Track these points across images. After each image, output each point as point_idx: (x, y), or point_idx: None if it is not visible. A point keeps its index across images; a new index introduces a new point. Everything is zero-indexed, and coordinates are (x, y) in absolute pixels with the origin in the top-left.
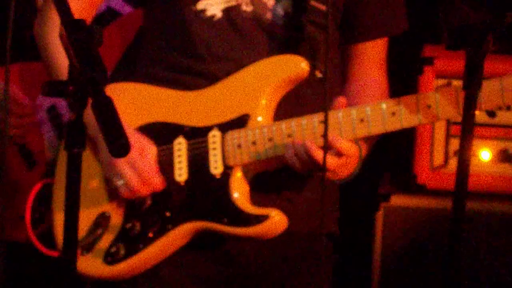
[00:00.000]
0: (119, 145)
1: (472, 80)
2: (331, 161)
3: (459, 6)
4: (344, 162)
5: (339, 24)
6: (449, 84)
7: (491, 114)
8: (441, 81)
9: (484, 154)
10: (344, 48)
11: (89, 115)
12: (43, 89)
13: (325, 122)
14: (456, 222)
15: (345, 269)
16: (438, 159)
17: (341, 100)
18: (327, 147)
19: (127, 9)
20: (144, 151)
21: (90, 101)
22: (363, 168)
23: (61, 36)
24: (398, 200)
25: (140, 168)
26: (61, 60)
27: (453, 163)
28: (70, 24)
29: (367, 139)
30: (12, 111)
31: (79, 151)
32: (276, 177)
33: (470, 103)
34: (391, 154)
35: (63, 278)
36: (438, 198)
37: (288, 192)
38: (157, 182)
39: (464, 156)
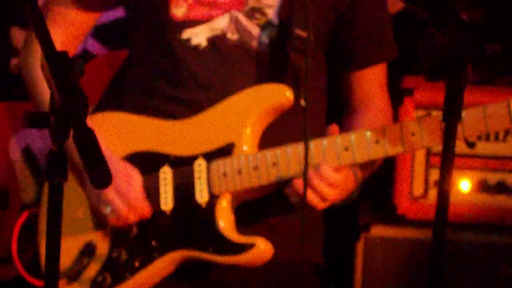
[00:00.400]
0: (101, 176)
1: (452, 111)
2: (327, 191)
3: (438, 37)
4: (338, 191)
5: (325, 50)
6: (429, 115)
7: (471, 145)
8: (421, 112)
9: (464, 184)
10: (343, 76)
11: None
12: (26, 120)
13: (305, 150)
14: (436, 252)
15: None
16: (418, 189)
17: (334, 127)
18: (306, 178)
19: (103, 51)
20: (130, 179)
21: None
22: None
23: (42, 67)
24: (378, 230)
25: (126, 195)
26: (44, 92)
27: (433, 193)
28: (51, 55)
29: (364, 165)
30: None
31: (60, 181)
32: (259, 206)
33: (450, 134)
34: (371, 183)
35: None
36: (418, 229)
37: (272, 221)
38: (144, 208)
39: (444, 187)
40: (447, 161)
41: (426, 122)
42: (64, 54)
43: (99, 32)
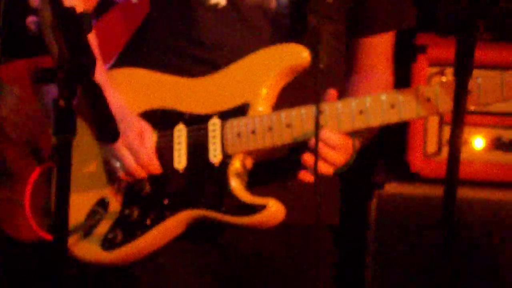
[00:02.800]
0: (107, 132)
1: (463, 66)
2: (332, 155)
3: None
4: (337, 154)
5: (345, 16)
6: (442, 72)
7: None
8: (434, 69)
9: (477, 141)
10: (351, 41)
11: None
12: (34, 76)
13: (317, 113)
14: (448, 210)
15: (339, 258)
16: (431, 147)
17: (332, 92)
18: (318, 137)
19: None
20: (142, 135)
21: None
22: (357, 157)
23: (51, 24)
24: (391, 188)
25: (137, 151)
26: (55, 49)
27: (446, 151)
28: (59, 11)
29: (363, 132)
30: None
31: (69, 136)
32: (273, 167)
33: (461, 89)
34: (384, 142)
35: (54, 262)
36: (432, 186)
37: (287, 183)
38: (153, 166)
39: (455, 143)
40: (458, 117)
41: (442, 87)
42: (71, 10)
43: None
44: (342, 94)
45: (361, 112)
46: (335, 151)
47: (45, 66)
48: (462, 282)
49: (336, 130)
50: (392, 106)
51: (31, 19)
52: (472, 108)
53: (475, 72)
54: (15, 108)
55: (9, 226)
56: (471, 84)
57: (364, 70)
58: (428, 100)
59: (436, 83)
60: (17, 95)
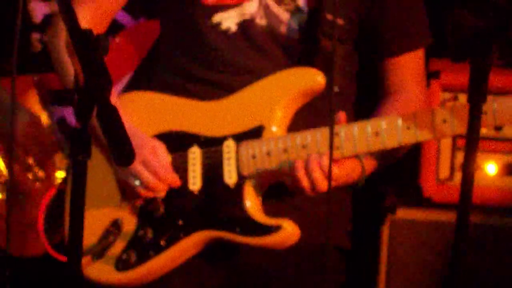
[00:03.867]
0: (124, 154)
1: (477, 92)
2: (320, 182)
3: (465, 17)
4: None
5: (356, 36)
6: (455, 98)
7: (498, 128)
8: (447, 95)
9: (490, 167)
10: (378, 63)
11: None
12: (50, 98)
13: (331, 135)
14: (460, 235)
15: (351, 282)
16: (444, 172)
17: (341, 115)
18: (331, 159)
19: (130, 21)
20: (156, 151)
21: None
22: (369, 181)
23: (67, 45)
24: (404, 213)
25: (154, 165)
26: (69, 69)
27: (459, 176)
28: (75, 33)
29: (377, 155)
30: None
31: (84, 158)
32: (287, 188)
33: (474, 115)
34: (397, 166)
35: (69, 284)
36: (444, 211)
37: (300, 204)
38: (172, 177)
39: (468, 169)
40: (472, 143)
41: (457, 110)
42: (88, 32)
43: (129, 4)
44: (363, 116)
45: (376, 134)
46: (325, 179)
47: (60, 88)
48: None
49: (352, 152)
50: (408, 128)
51: (35, 36)
52: (485, 130)
53: (488, 98)
54: (23, 127)
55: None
56: (486, 106)
57: (394, 90)
58: (444, 121)
59: (450, 105)
60: (26, 113)
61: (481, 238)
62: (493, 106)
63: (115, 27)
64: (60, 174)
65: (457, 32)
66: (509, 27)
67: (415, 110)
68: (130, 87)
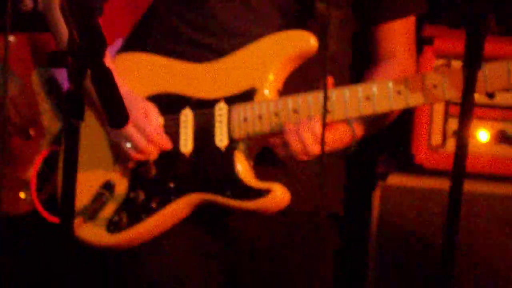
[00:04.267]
0: (118, 116)
1: (472, 59)
2: (312, 147)
3: None
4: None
5: (351, 2)
6: (448, 65)
7: (491, 96)
8: (441, 61)
9: (482, 135)
10: (370, 29)
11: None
12: (43, 59)
13: (324, 99)
14: (454, 203)
15: (342, 248)
16: (436, 139)
17: (329, 79)
18: (325, 123)
19: None
20: (148, 113)
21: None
22: (360, 148)
23: (61, 7)
24: (395, 180)
25: (145, 129)
26: (63, 30)
27: (451, 143)
28: None
29: (367, 120)
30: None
31: (77, 121)
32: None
33: (469, 82)
34: (388, 134)
35: (61, 245)
36: (436, 178)
37: (293, 169)
38: (163, 141)
39: (462, 136)
40: (466, 110)
41: (449, 74)
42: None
43: None
44: (356, 81)
45: (367, 98)
46: (317, 144)
47: (54, 49)
48: (465, 277)
49: (343, 116)
50: (399, 93)
51: None
52: (477, 96)
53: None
54: (16, 90)
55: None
56: (478, 72)
57: (386, 56)
58: (435, 86)
59: (443, 70)
60: (16, 76)
61: (472, 206)
62: (485, 71)
63: None
64: (51, 136)
65: (452, 3)
66: None
67: (406, 75)
68: (125, 48)
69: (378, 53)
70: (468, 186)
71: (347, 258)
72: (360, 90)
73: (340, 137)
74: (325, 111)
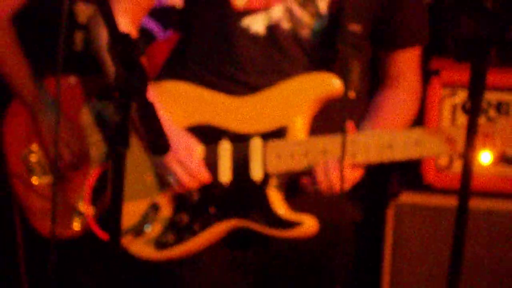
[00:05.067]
0: (159, 145)
1: (477, 89)
2: (336, 185)
3: (464, 23)
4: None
5: (370, 42)
6: (454, 93)
7: (509, 161)
8: (446, 91)
9: (485, 156)
10: (381, 55)
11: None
12: (92, 95)
13: (343, 141)
14: (461, 219)
15: (356, 263)
16: (443, 161)
17: (350, 124)
18: (343, 163)
19: (159, 31)
20: (191, 149)
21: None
22: (373, 170)
23: (109, 49)
24: (407, 198)
25: (188, 165)
26: (110, 68)
27: (457, 164)
28: (115, 36)
29: None
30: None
31: (123, 148)
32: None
33: (474, 110)
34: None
35: (109, 259)
36: (444, 197)
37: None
38: (204, 176)
39: (468, 160)
40: (471, 135)
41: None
42: (127, 35)
43: (157, 13)
44: (370, 107)
45: (390, 146)
46: (341, 182)
47: (102, 85)
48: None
49: (365, 160)
50: (416, 144)
51: (78, 36)
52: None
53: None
54: (67, 130)
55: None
56: (490, 127)
57: (395, 79)
58: (453, 140)
59: (461, 125)
60: (69, 118)
61: (477, 223)
62: (496, 126)
63: (147, 36)
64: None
65: (458, 35)
66: (504, 31)
67: (430, 128)
68: (165, 75)
69: (388, 75)
70: (473, 203)
71: (362, 274)
72: (385, 138)
73: (360, 173)
74: (343, 154)
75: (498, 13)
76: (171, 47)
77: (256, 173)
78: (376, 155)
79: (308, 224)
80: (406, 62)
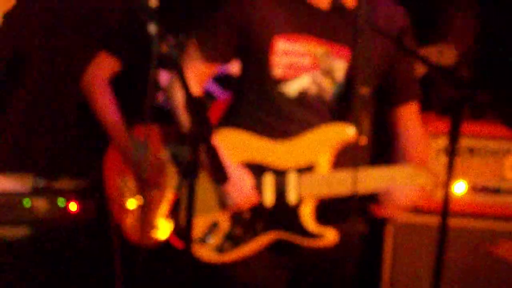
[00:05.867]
0: (220, 177)
1: (454, 136)
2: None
3: (445, 90)
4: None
5: (377, 99)
6: (437, 140)
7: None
8: (432, 137)
9: (460, 185)
10: (391, 110)
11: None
12: (170, 139)
13: (354, 178)
14: (442, 234)
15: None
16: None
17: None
18: (357, 193)
19: (219, 91)
20: (244, 179)
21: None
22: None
23: (183, 105)
24: (402, 217)
25: (242, 191)
26: (184, 120)
27: (438, 192)
28: (189, 98)
29: None
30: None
31: (193, 180)
32: (335, 201)
33: (452, 151)
34: None
35: (183, 261)
36: (430, 216)
37: (340, 209)
38: (253, 200)
39: (448, 191)
40: (450, 171)
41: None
42: (197, 97)
43: (218, 78)
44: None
45: (392, 178)
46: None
47: (177, 132)
48: None
49: (371, 190)
50: (409, 177)
51: (161, 95)
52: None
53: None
54: (154, 162)
55: (133, 234)
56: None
57: (400, 131)
58: (436, 175)
59: (442, 164)
60: (151, 151)
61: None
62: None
63: (209, 96)
64: (172, 190)
65: (440, 96)
66: (474, 94)
67: (420, 165)
68: (222, 123)
69: (395, 127)
70: (453, 223)
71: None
72: (388, 173)
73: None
74: (355, 186)
75: (469, 80)
76: (228, 103)
77: (292, 198)
78: (379, 185)
79: (329, 236)
80: (411, 114)
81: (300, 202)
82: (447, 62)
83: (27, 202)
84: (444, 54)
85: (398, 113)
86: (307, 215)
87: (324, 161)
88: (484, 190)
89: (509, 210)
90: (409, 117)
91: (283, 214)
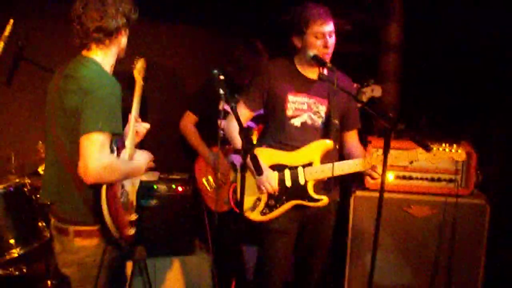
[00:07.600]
0: (258, 173)
1: (386, 146)
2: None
3: (380, 123)
4: None
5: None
6: (377, 151)
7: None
8: (374, 149)
9: (390, 175)
10: (344, 134)
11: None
12: (234, 151)
13: (332, 166)
14: (380, 204)
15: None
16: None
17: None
18: (333, 173)
19: (254, 125)
20: (271, 175)
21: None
22: (343, 178)
23: (238, 132)
24: (359, 193)
25: (270, 182)
26: (237, 141)
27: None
28: (241, 127)
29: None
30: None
31: (244, 173)
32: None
33: (385, 157)
34: (355, 176)
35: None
36: (374, 192)
37: (330, 184)
38: (275, 186)
39: (383, 177)
40: (385, 163)
41: (380, 160)
42: (246, 128)
43: (254, 117)
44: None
45: (348, 166)
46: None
47: (235, 148)
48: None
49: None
50: (357, 166)
51: (221, 121)
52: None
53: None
54: (219, 163)
55: (216, 205)
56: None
57: (349, 148)
58: (375, 167)
59: (379, 158)
60: (220, 158)
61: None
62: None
63: (249, 128)
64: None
65: (379, 126)
66: (396, 124)
67: (365, 160)
68: (258, 144)
69: (345, 146)
70: (386, 196)
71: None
72: (347, 164)
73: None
74: (333, 173)
75: (394, 118)
76: (260, 132)
77: (301, 181)
78: (346, 170)
79: (324, 200)
80: (354, 137)
81: (306, 182)
82: (377, 95)
83: (155, 187)
84: (374, 91)
85: (348, 135)
86: (310, 189)
87: (317, 160)
88: (402, 177)
89: (416, 189)
90: (353, 138)
91: (297, 190)
